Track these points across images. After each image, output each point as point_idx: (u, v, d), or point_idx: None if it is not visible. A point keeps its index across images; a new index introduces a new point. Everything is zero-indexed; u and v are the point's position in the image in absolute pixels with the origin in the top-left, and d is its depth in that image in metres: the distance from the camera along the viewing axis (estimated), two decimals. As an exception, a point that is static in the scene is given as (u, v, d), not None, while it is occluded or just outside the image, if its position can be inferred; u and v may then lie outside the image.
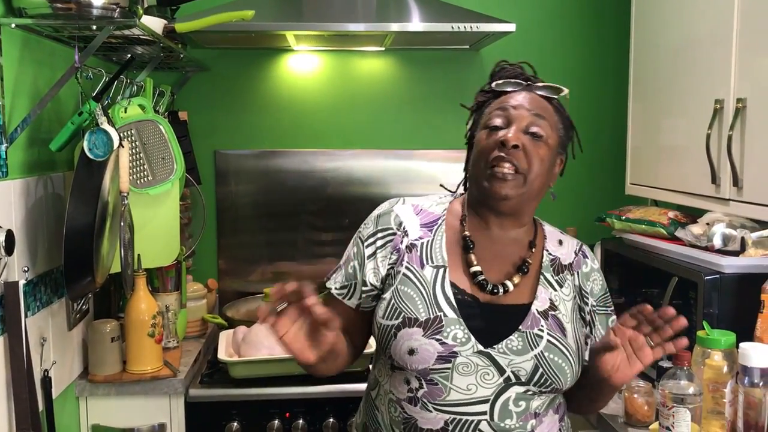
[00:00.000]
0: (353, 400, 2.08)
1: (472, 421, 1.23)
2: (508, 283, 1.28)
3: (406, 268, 1.29)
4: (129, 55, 1.86)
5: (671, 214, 2.01)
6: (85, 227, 1.62)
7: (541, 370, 1.23)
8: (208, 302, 2.53)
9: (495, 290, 1.28)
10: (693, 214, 2.02)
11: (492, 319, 1.26)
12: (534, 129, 1.25)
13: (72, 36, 1.69)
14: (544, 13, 2.74)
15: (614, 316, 1.35)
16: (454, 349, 1.22)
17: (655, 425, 1.59)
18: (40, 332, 1.74)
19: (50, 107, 1.81)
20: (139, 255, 2.02)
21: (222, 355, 2.07)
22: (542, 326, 1.25)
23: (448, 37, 2.38)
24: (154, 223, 2.08)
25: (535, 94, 1.30)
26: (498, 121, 1.27)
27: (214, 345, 2.34)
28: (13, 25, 1.57)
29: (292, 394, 2.06)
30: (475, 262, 1.29)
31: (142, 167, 2.02)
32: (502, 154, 1.23)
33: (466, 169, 1.38)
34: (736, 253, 1.77)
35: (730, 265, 1.71)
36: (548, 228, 1.39)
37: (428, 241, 1.32)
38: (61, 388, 1.88)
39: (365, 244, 1.34)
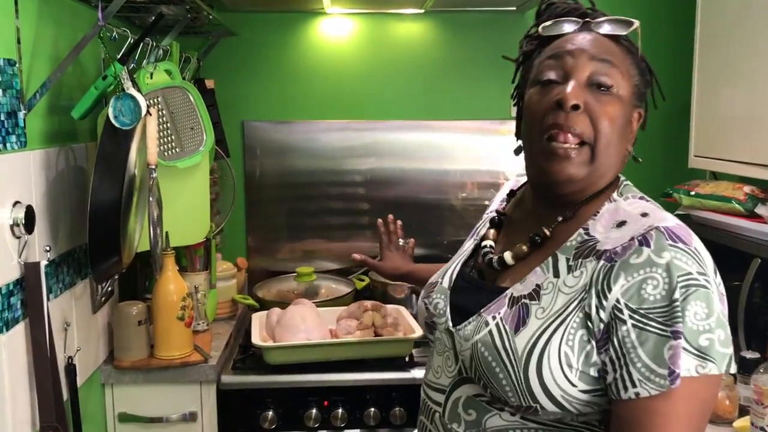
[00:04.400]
0: (395, 388, 1.94)
1: (433, 410, 1.09)
2: (507, 256, 1.05)
3: (467, 238, 1.24)
4: (159, 12, 1.70)
5: (747, 188, 1.83)
6: (111, 203, 1.48)
7: (474, 364, 1.00)
8: (238, 282, 2.40)
9: (492, 264, 1.08)
10: (771, 189, 1.85)
11: (474, 298, 1.06)
12: (600, 79, 0.98)
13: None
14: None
15: (675, 341, 0.86)
16: (434, 319, 1.12)
17: (740, 422, 1.43)
18: (64, 316, 1.61)
19: (71, 72, 1.67)
20: (167, 233, 1.88)
21: (256, 339, 1.93)
22: (499, 313, 0.99)
23: (496, -4, 2.21)
24: (183, 198, 1.94)
25: (597, 34, 1.01)
26: (552, 74, 1.00)
27: (245, 327, 2.21)
28: (29, -20, 1.42)
29: (331, 382, 1.93)
30: (490, 237, 1.14)
31: (169, 138, 1.87)
32: (560, 121, 0.96)
33: (517, 136, 1.11)
34: (825, 232, 1.61)
35: (820, 245, 1.54)
36: (619, 203, 1.00)
37: (490, 215, 1.22)
38: (85, 375, 1.76)
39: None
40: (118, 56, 1.52)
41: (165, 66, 1.90)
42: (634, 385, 0.87)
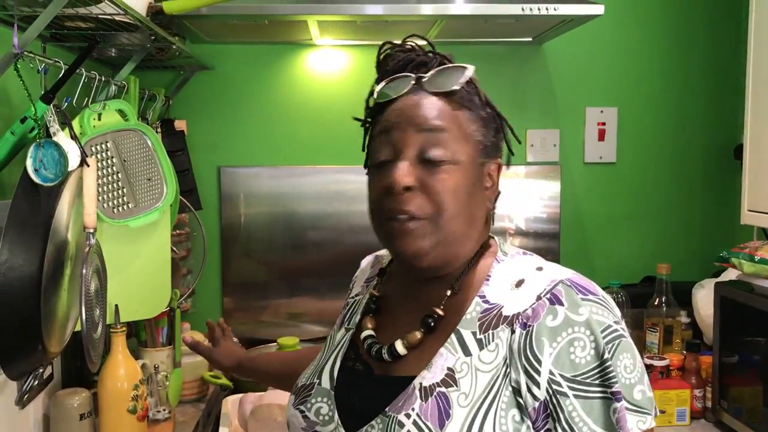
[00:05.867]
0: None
1: None
2: (398, 345, 0.91)
3: (332, 330, 1.08)
4: (94, 38, 1.39)
5: (826, 254, 1.51)
6: (26, 279, 1.15)
7: None
8: (210, 355, 2.04)
9: (381, 356, 0.93)
10: None
11: (369, 396, 0.92)
12: (430, 153, 0.89)
13: (12, 15, 1.22)
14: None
15: (618, 404, 0.80)
16: (316, 429, 0.94)
17: None
18: (-28, 421, 1.27)
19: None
20: (116, 306, 1.54)
21: (224, 436, 1.58)
22: (413, 409, 0.84)
23: (511, 26, 1.90)
24: (138, 263, 1.61)
25: (426, 94, 0.92)
26: (384, 154, 0.92)
27: (217, 412, 1.86)
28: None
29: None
30: (369, 326, 0.99)
31: (120, 191, 1.54)
32: (393, 205, 0.89)
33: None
34: None
35: None
36: (507, 262, 0.93)
37: (360, 299, 1.07)
38: (8, 486, 1.41)
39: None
40: (42, 92, 1.20)
41: (117, 105, 1.58)
42: None
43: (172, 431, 1.72)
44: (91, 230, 1.31)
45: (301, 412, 0.96)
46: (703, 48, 2.28)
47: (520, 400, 0.82)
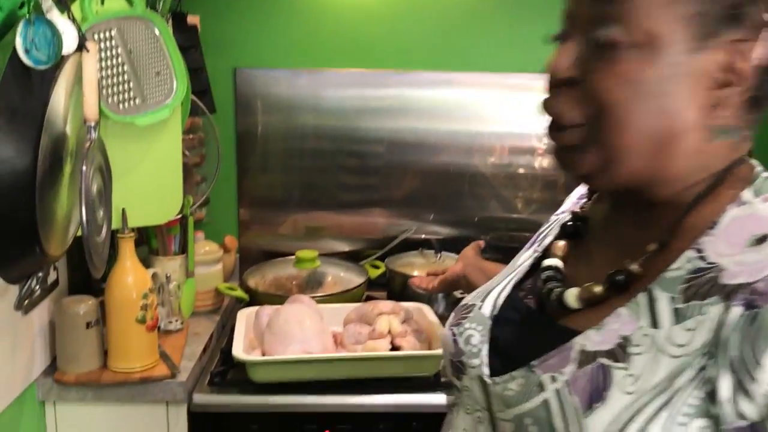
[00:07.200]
0: (417, 416, 1.51)
1: None
2: (569, 297, 0.70)
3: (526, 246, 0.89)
4: None
5: None
6: (18, 174, 1.03)
7: None
8: (225, 267, 1.95)
9: (549, 297, 0.73)
10: None
11: (525, 339, 0.74)
12: (598, 34, 0.62)
13: None
14: None
15: None
16: (462, 358, 0.77)
17: None
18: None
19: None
20: (123, 210, 1.44)
21: (239, 349, 1.49)
22: (562, 374, 0.64)
23: None
24: (146, 164, 1.50)
25: None
26: (559, 29, 0.69)
27: (232, 323, 1.78)
28: None
29: (334, 406, 1.49)
30: (558, 253, 0.78)
31: (125, 86, 1.41)
32: (546, 105, 0.68)
33: None
34: None
35: None
36: (755, 206, 0.62)
37: (563, 218, 0.85)
38: (14, 394, 1.34)
39: None
40: (32, -37, 1.06)
41: (122, -11, 1.43)
42: None
43: (184, 342, 1.64)
44: (92, 123, 1.19)
45: (453, 334, 0.79)
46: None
47: (715, 411, 0.56)
